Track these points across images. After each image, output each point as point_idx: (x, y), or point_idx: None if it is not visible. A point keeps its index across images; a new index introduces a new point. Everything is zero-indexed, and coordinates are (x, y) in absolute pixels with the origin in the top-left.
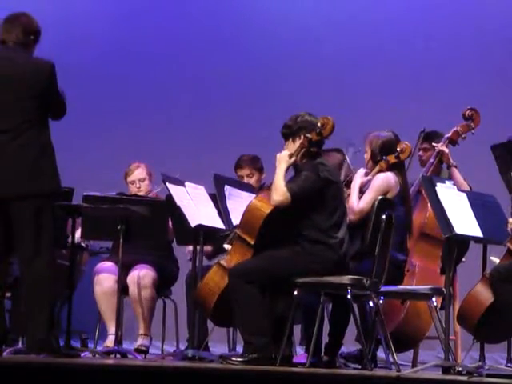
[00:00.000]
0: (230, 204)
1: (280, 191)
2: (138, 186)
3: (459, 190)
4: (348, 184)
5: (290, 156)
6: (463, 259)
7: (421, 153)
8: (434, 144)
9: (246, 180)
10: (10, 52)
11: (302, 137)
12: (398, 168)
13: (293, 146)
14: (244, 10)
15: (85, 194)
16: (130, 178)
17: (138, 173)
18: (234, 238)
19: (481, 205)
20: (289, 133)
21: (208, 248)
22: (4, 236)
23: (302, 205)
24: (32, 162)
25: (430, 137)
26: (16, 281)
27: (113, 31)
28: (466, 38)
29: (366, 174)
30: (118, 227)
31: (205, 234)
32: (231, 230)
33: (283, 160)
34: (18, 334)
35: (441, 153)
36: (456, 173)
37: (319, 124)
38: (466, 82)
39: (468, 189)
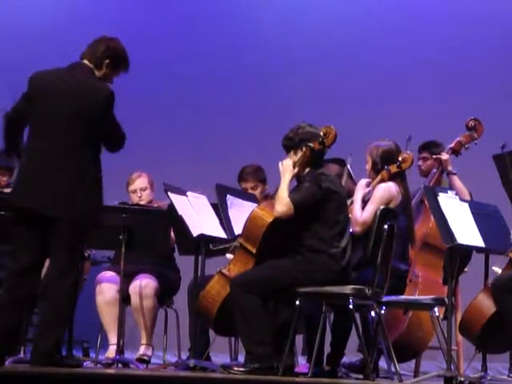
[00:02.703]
0: (231, 213)
1: (283, 202)
2: (139, 195)
3: (460, 199)
4: (350, 195)
5: (294, 165)
6: (465, 269)
7: (420, 162)
8: (434, 156)
9: (250, 192)
10: (72, 69)
11: (304, 148)
12: (399, 177)
13: (295, 157)
14: (247, 19)
15: None
16: (131, 187)
17: (140, 182)
18: (236, 247)
19: (483, 215)
20: (290, 144)
21: None
22: (39, 251)
23: (304, 215)
24: (65, 186)
25: (429, 146)
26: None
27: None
28: (470, 48)
29: (368, 184)
30: (120, 236)
31: (206, 243)
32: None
33: (287, 170)
34: (19, 344)
35: (440, 160)
36: (456, 180)
37: (322, 133)
38: (469, 92)
39: (468, 196)
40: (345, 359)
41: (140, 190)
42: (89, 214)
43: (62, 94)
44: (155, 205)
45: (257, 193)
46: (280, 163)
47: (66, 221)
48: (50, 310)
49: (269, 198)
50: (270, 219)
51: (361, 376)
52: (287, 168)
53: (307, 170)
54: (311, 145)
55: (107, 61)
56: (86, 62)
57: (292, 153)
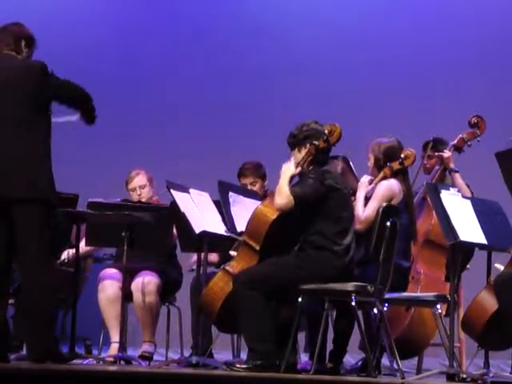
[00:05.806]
0: (234, 211)
1: (283, 195)
2: (138, 193)
3: (463, 196)
4: (354, 192)
5: (296, 166)
6: (468, 266)
7: (425, 160)
8: (437, 153)
9: (249, 188)
10: (1, 60)
11: (308, 145)
12: (401, 174)
13: (299, 155)
14: (249, 18)
15: (89, 200)
16: (130, 186)
17: (138, 180)
18: (240, 244)
19: (485, 212)
20: (294, 142)
21: (214, 258)
22: (6, 241)
23: (308, 211)
24: (24, 167)
25: (435, 144)
26: (19, 288)
27: (112, 37)
28: (473, 46)
29: (370, 181)
30: (123, 234)
31: (209, 240)
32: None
33: (288, 169)
34: (21, 340)
35: (442, 158)
36: (457, 178)
37: (326, 131)
38: (472, 89)
39: (470, 194)
40: (348, 360)
41: (139, 187)
42: (45, 191)
43: None
44: (155, 197)
45: (256, 188)
46: (284, 165)
47: (25, 200)
48: (29, 306)
49: (269, 194)
50: (273, 216)
51: (363, 373)
52: (288, 168)
53: (311, 167)
54: (316, 143)
55: (23, 42)
56: (6, 52)
57: (296, 150)
